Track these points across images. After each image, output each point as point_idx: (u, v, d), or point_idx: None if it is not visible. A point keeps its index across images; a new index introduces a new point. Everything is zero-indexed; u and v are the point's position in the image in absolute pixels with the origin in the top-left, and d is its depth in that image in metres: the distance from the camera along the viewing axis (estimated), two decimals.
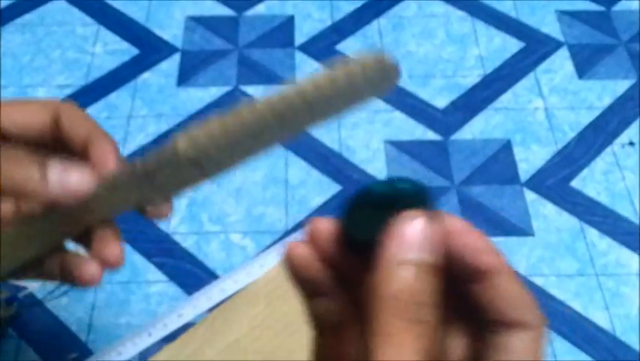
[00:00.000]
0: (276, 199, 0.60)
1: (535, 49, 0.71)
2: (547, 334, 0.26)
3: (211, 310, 0.53)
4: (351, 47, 0.72)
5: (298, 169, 0.62)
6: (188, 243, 0.57)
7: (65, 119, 0.38)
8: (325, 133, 0.64)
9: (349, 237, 0.29)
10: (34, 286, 0.53)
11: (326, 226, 0.29)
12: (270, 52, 0.72)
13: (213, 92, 0.68)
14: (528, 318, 0.27)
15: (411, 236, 0.26)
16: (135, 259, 0.56)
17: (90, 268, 0.36)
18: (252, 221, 0.58)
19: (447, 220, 0.27)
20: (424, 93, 0.68)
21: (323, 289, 0.29)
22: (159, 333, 0.52)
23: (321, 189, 0.61)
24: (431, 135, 0.65)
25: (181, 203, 0.59)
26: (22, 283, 0.53)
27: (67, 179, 0.35)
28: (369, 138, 0.64)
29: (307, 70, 0.70)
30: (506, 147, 0.63)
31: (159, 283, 0.55)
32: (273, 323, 0.51)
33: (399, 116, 0.66)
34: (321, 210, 0.59)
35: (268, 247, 0.57)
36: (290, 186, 0.61)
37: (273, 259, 0.55)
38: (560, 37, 0.72)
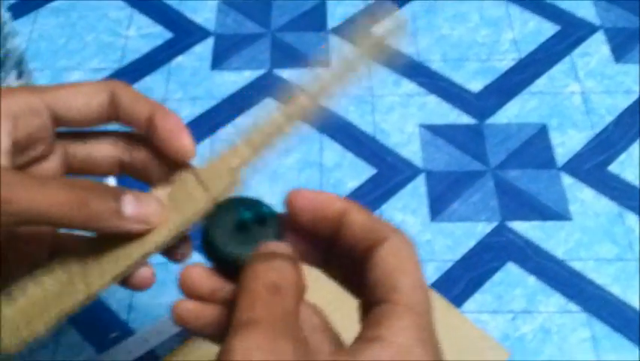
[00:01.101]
0: (310, 182, 0.60)
1: (570, 32, 0.71)
2: (409, 243, 0.31)
3: None
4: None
5: (333, 153, 0.62)
6: None
7: (124, 98, 0.37)
8: (359, 117, 0.64)
9: (219, 260, 0.34)
10: None
11: (198, 271, 0.33)
12: (302, 35, 0.72)
13: (247, 76, 0.68)
14: (382, 233, 0.31)
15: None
16: None
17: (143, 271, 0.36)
18: None
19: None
20: (458, 77, 0.68)
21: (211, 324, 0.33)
22: None
23: (355, 172, 0.61)
24: (466, 119, 0.64)
25: None
26: None
27: (141, 211, 0.34)
28: (403, 122, 0.64)
29: (339, 53, 0.70)
30: (542, 131, 0.63)
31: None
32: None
33: (433, 99, 0.66)
34: (356, 193, 0.59)
35: None
36: (325, 169, 0.61)
37: None
38: (596, 21, 0.71)
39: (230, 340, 0.28)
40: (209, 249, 0.35)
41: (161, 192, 0.36)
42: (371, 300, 0.31)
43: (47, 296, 0.35)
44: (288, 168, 0.61)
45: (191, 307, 0.33)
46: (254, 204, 0.36)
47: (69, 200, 0.33)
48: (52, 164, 0.38)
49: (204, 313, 0.33)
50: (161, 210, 0.35)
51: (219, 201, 0.36)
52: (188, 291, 0.33)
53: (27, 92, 0.36)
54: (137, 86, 0.67)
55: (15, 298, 0.34)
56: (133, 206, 0.34)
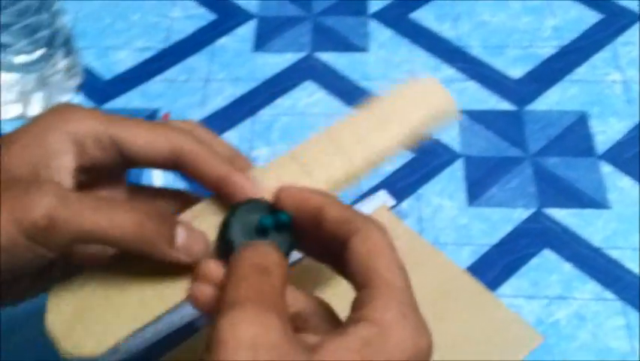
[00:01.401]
0: None
1: (613, 21, 0.70)
2: (380, 229, 0.34)
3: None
4: (424, 16, 0.72)
5: None
6: None
7: (189, 157, 0.38)
8: None
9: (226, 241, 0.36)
10: None
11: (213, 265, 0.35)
12: (344, 19, 0.72)
13: (288, 58, 0.69)
14: (355, 225, 0.34)
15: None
16: None
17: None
18: None
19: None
20: (498, 63, 0.68)
21: None
22: None
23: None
24: (505, 105, 0.64)
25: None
26: None
27: (192, 245, 0.35)
28: None
29: (380, 38, 0.70)
30: (582, 119, 0.63)
31: None
32: (342, 283, 0.52)
33: (472, 85, 0.66)
34: (394, 176, 0.59)
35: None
36: None
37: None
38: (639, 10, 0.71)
39: (219, 319, 0.29)
40: (227, 248, 0.36)
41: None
42: (356, 288, 0.33)
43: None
44: None
45: (207, 291, 0.34)
46: (272, 209, 0.37)
47: (127, 222, 0.34)
48: (113, 193, 0.40)
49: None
50: (206, 248, 0.36)
51: (238, 202, 0.37)
52: (204, 278, 0.35)
53: (93, 119, 0.37)
54: (181, 65, 0.68)
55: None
56: (184, 237, 0.35)
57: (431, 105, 0.44)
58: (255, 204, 0.37)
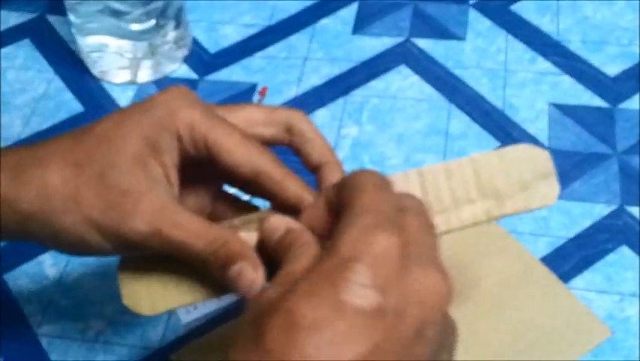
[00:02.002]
0: (435, 148, 0.62)
1: None
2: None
3: None
4: (525, 8, 0.72)
5: (460, 122, 0.64)
6: None
7: (301, 134, 0.41)
8: (490, 90, 0.66)
9: None
10: None
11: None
12: (444, 7, 0.74)
13: (385, 42, 0.71)
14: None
15: None
16: None
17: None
18: (410, 165, 0.61)
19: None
20: (595, 59, 0.68)
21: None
22: None
23: (479, 142, 0.62)
24: (598, 102, 0.64)
25: (345, 143, 0.63)
26: None
27: (252, 280, 0.36)
28: (533, 99, 0.65)
29: (478, 28, 0.71)
30: None
31: None
32: None
33: (567, 79, 0.66)
34: None
35: None
36: (450, 137, 0.63)
37: None
38: None
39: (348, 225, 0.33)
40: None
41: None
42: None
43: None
44: (414, 131, 0.64)
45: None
46: None
47: (206, 249, 0.36)
48: (199, 196, 0.43)
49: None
50: (260, 285, 0.37)
51: None
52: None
53: (198, 116, 0.39)
54: (282, 43, 0.72)
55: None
56: (250, 271, 0.36)
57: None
58: None
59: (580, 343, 0.51)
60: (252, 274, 0.36)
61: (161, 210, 0.37)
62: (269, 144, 0.41)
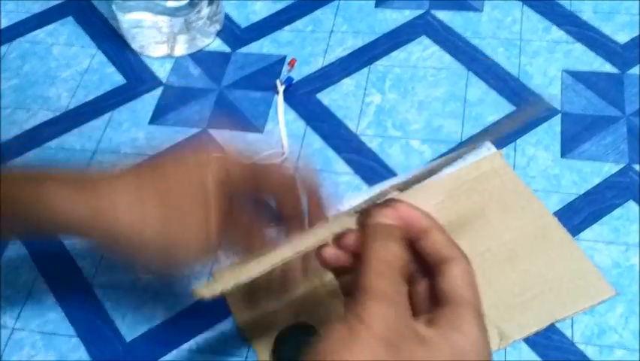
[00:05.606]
0: (454, 114, 0.67)
1: None
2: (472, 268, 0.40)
3: None
4: None
5: (477, 89, 0.68)
6: (373, 144, 0.65)
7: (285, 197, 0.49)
8: (506, 58, 0.70)
9: None
10: None
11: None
12: None
13: (406, 15, 0.75)
14: (454, 253, 0.40)
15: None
16: (328, 153, 0.65)
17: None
18: (431, 131, 0.66)
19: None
20: (606, 28, 0.71)
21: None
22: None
23: (496, 108, 0.66)
24: (608, 68, 0.68)
25: (369, 110, 0.68)
26: None
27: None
28: (547, 66, 0.69)
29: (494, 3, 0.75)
30: None
31: (346, 174, 0.64)
32: (448, 213, 0.59)
33: (579, 47, 0.70)
34: (494, 127, 0.65)
35: (443, 154, 0.64)
36: (468, 103, 0.67)
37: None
38: None
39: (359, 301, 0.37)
40: None
41: None
42: (437, 303, 0.39)
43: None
44: (434, 98, 0.68)
45: (332, 251, 0.43)
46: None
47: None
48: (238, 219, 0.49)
49: (341, 258, 0.43)
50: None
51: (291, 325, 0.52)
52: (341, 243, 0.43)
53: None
54: (309, 17, 0.76)
55: None
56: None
57: None
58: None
59: (582, 299, 0.55)
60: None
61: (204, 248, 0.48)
62: None
